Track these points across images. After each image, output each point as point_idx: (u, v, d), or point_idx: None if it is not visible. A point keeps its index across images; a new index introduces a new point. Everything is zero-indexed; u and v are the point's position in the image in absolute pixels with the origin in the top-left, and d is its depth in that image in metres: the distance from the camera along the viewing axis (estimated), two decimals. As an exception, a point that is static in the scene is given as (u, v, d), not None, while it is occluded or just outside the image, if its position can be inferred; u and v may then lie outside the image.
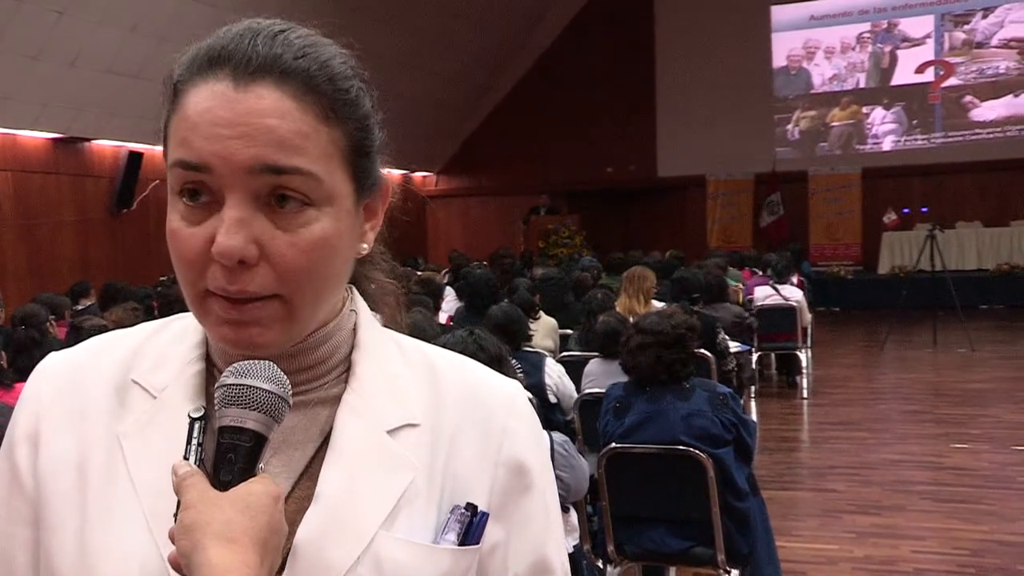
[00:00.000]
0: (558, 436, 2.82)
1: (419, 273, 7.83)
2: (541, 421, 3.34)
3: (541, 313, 5.98)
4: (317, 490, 0.83)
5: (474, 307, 6.06)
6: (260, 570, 0.71)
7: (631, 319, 4.34)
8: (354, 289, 0.94)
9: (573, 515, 2.83)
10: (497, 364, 2.74)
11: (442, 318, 6.63)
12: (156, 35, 9.69)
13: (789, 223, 16.22)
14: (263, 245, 0.78)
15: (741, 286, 8.85)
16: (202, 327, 0.89)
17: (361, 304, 0.94)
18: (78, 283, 7.74)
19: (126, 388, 0.88)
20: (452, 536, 0.85)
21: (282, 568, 0.80)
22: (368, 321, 0.93)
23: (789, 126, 17.11)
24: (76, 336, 3.98)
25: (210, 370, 0.89)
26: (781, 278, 8.54)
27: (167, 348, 0.91)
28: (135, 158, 11.09)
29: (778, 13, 16.94)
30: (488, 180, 18.58)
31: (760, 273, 9.89)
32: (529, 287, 6.43)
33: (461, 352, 2.64)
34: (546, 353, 4.86)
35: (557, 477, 2.67)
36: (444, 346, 2.79)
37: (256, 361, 0.79)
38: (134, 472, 0.83)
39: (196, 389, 0.87)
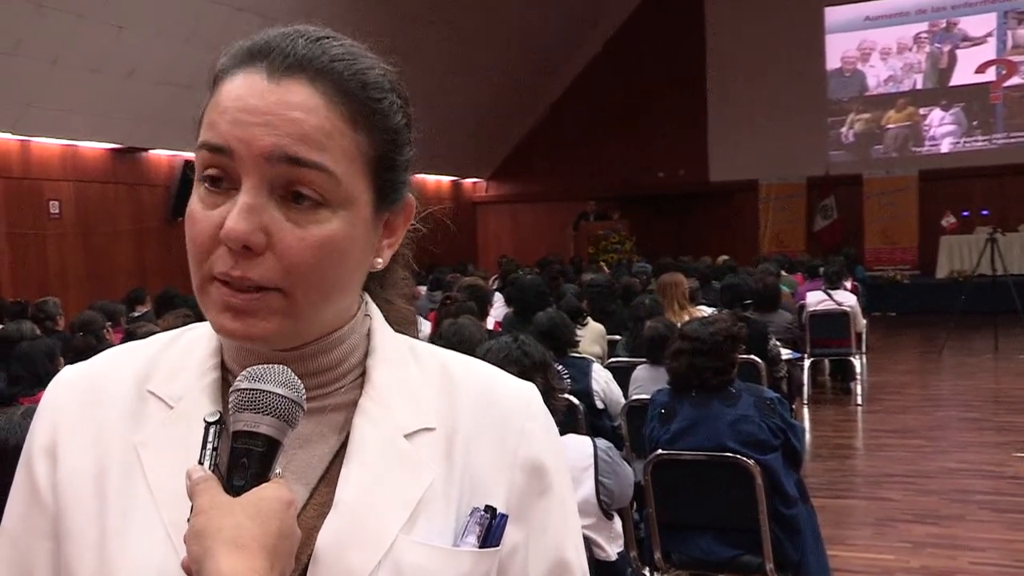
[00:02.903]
0: (602, 442, 2.80)
1: (465, 279, 7.83)
2: (588, 427, 3.32)
3: (588, 319, 5.96)
4: (336, 496, 0.83)
5: (522, 313, 6.05)
6: None
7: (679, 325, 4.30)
8: (367, 295, 0.94)
9: (617, 522, 2.81)
10: (541, 370, 2.73)
11: (490, 324, 6.63)
12: (208, 46, 9.80)
13: (843, 227, 15.97)
14: (271, 235, 0.78)
15: (790, 291, 8.71)
16: (211, 330, 0.89)
17: (375, 310, 0.94)
18: (134, 290, 7.90)
19: (143, 399, 0.88)
20: (472, 538, 0.85)
21: (304, 574, 0.80)
22: (382, 326, 0.93)
23: (843, 129, 16.85)
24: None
25: (226, 378, 0.89)
26: (834, 283, 8.39)
27: (183, 358, 0.91)
28: (190, 167, 11.30)
29: (832, 15, 16.70)
30: (538, 186, 18.58)
31: (813, 278, 9.74)
32: (577, 293, 6.41)
33: (505, 358, 2.66)
34: (593, 359, 4.84)
35: (601, 484, 2.66)
36: (488, 352, 2.79)
37: (270, 366, 0.79)
38: (152, 481, 0.83)
39: (212, 398, 0.87)
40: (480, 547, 0.84)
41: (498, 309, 7.52)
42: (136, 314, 6.99)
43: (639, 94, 17.38)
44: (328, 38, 0.84)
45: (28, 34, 8.73)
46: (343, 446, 0.86)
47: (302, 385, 0.79)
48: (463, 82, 15.33)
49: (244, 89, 0.80)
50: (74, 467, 0.86)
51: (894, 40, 16.57)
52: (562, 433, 2.78)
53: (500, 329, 6.31)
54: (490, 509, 0.86)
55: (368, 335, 0.91)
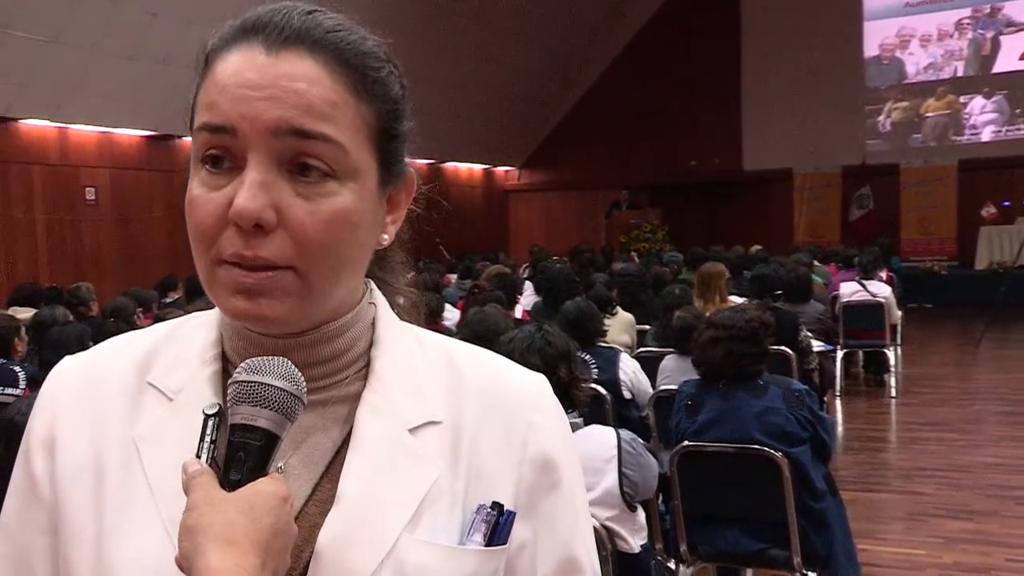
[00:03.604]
0: (626, 433, 2.77)
1: (492, 268, 7.82)
2: (615, 417, 3.28)
3: (618, 308, 5.92)
4: (339, 492, 0.81)
5: (551, 302, 6.02)
6: (261, 573, 0.69)
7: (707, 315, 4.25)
8: (372, 283, 0.92)
9: (641, 514, 2.78)
10: (565, 360, 2.71)
11: (519, 312, 6.61)
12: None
13: (879, 217, 15.74)
14: (282, 211, 0.76)
15: (822, 282, 8.60)
16: (220, 322, 0.88)
17: (380, 297, 0.92)
18: (166, 277, 7.98)
19: (142, 391, 0.87)
20: (478, 536, 0.82)
21: (305, 572, 0.78)
22: (387, 315, 0.91)
23: (880, 117, 16.60)
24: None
25: (227, 369, 0.86)
26: (868, 274, 8.27)
27: (182, 349, 0.89)
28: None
29: (871, 1, 16.43)
30: (570, 174, 18.52)
31: (848, 268, 9.61)
32: (606, 282, 6.37)
33: (528, 347, 2.63)
34: (621, 349, 4.81)
35: (624, 475, 2.63)
36: (511, 341, 2.77)
37: (270, 358, 0.77)
38: (151, 476, 0.82)
39: (213, 389, 0.85)
40: (486, 545, 0.82)
41: (528, 298, 7.50)
42: (168, 300, 7.06)
43: (673, 82, 17.24)
44: (319, 11, 0.82)
45: (65, 23, 8.83)
46: (346, 439, 0.84)
47: (303, 378, 0.77)
48: (496, 71, 15.30)
49: (242, 64, 0.77)
50: (72, 461, 0.85)
51: (934, 26, 16.26)
52: (587, 423, 2.77)
53: (528, 318, 6.29)
54: (497, 506, 0.83)
55: (372, 324, 0.89)
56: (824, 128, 16.12)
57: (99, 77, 9.23)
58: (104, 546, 0.81)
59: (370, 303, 0.90)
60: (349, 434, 0.84)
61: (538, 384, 0.91)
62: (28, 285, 7.25)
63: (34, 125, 9.71)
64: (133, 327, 5.08)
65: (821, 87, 16.25)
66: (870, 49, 16.60)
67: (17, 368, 4.36)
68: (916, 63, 16.47)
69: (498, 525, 0.83)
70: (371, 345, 0.88)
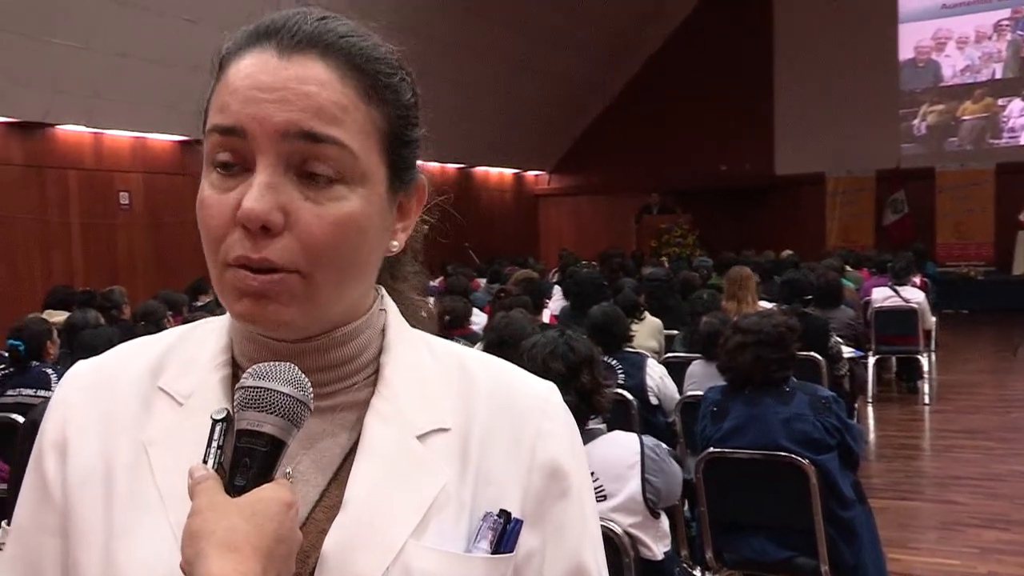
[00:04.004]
0: (649, 440, 2.75)
1: (520, 272, 7.82)
2: (641, 423, 3.25)
3: (646, 314, 5.89)
4: (345, 498, 0.81)
5: (579, 306, 6.01)
6: None
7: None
8: (382, 289, 0.92)
9: (664, 521, 2.75)
10: (588, 366, 2.69)
11: (547, 317, 6.60)
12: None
13: (914, 222, 15.54)
14: (289, 214, 0.76)
15: (854, 287, 8.49)
16: (230, 328, 0.89)
17: (390, 304, 0.92)
18: (197, 280, 8.04)
19: (152, 395, 0.87)
20: (485, 544, 0.82)
21: None
22: (398, 322, 0.91)
23: (915, 121, 16.38)
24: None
25: (237, 374, 0.87)
26: (900, 279, 8.16)
27: (193, 354, 0.89)
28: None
29: (906, 3, 16.25)
30: (600, 179, 18.47)
31: (880, 274, 9.49)
32: (635, 287, 6.34)
33: (550, 353, 2.62)
34: (648, 354, 4.78)
35: (647, 482, 2.61)
36: (535, 346, 2.75)
37: (277, 363, 0.77)
38: (160, 480, 0.82)
39: (222, 395, 0.85)
40: (492, 553, 0.82)
41: (556, 302, 7.50)
42: (198, 304, 7.13)
43: (704, 86, 17.14)
44: (333, 17, 0.83)
45: (100, 28, 8.95)
46: (355, 446, 0.84)
47: (309, 384, 0.77)
48: (527, 75, 15.31)
49: (254, 67, 0.78)
50: (83, 464, 0.85)
51: (972, 28, 16.03)
52: (613, 429, 2.75)
53: (556, 322, 6.28)
54: (504, 514, 0.83)
55: (383, 331, 0.89)
56: (858, 132, 15.94)
57: (133, 83, 9.35)
58: (112, 549, 0.81)
59: (381, 309, 0.90)
60: (358, 440, 0.84)
61: (548, 391, 0.91)
62: (62, 288, 7.35)
63: (70, 130, 9.85)
64: (163, 330, 5.14)
65: (855, 90, 16.08)
66: (905, 52, 16.40)
67: (49, 370, 4.42)
68: (953, 65, 16.24)
69: (505, 533, 0.82)
70: (381, 351, 0.88)
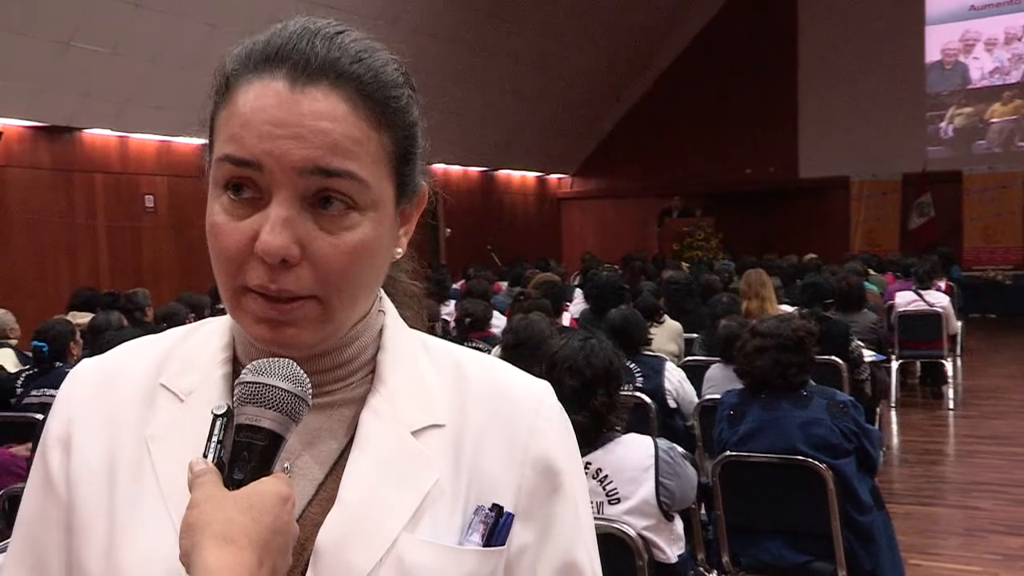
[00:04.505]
0: (663, 443, 2.74)
1: (541, 275, 7.81)
2: (660, 426, 3.24)
3: (665, 317, 5.88)
4: (339, 492, 0.83)
5: (598, 309, 6.00)
6: (257, 572, 0.71)
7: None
8: (382, 291, 0.94)
9: (678, 524, 2.75)
10: (603, 383, 2.67)
11: (567, 320, 6.60)
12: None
13: (940, 225, 15.38)
14: (305, 246, 0.78)
15: (877, 291, 8.42)
16: (232, 327, 0.91)
17: (389, 306, 0.94)
18: (220, 282, 8.09)
19: (155, 392, 0.89)
20: (476, 537, 0.84)
21: (305, 570, 0.80)
22: (395, 322, 0.93)
23: (942, 124, 16.22)
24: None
25: (237, 371, 0.88)
26: (924, 283, 8.08)
27: (195, 352, 0.91)
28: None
29: (933, 5, 16.09)
30: (623, 182, 18.44)
31: (905, 277, 9.41)
32: (654, 290, 6.33)
33: (569, 368, 2.59)
34: (666, 357, 4.77)
35: (661, 485, 2.61)
36: (555, 355, 2.72)
37: (276, 359, 0.79)
38: (161, 474, 0.84)
39: (223, 391, 0.88)
40: (484, 546, 0.83)
41: (577, 305, 7.50)
42: (220, 306, 7.14)
43: (727, 88, 17.06)
44: (343, 32, 0.83)
45: (127, 35, 9.06)
46: (351, 441, 0.86)
47: (308, 379, 0.79)
48: (549, 78, 15.31)
49: (266, 99, 0.79)
50: (86, 459, 0.87)
51: (1001, 30, 15.84)
52: (629, 432, 2.74)
53: (576, 326, 6.28)
54: (496, 508, 0.84)
55: (380, 331, 0.91)
56: (883, 135, 15.81)
57: (158, 87, 9.44)
58: (115, 543, 0.83)
59: (379, 311, 0.92)
60: (354, 436, 0.86)
61: (542, 390, 0.93)
62: (86, 290, 7.43)
63: (97, 134, 9.97)
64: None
65: (880, 93, 15.95)
66: (932, 54, 16.25)
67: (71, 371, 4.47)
68: (981, 67, 16.07)
69: (496, 526, 0.84)
70: (378, 351, 0.90)
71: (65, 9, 8.38)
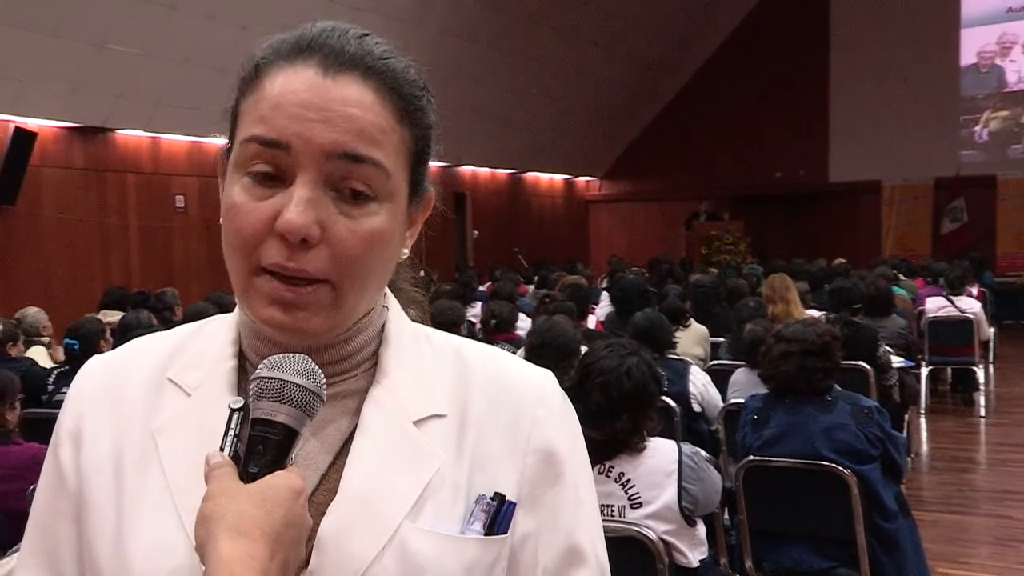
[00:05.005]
0: (687, 447, 2.73)
1: (567, 278, 7.80)
2: (684, 430, 3.20)
3: (691, 321, 5.85)
4: (342, 481, 0.84)
5: (623, 312, 5.99)
6: (269, 564, 0.72)
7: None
8: (386, 287, 0.95)
9: (701, 528, 2.73)
10: (632, 406, 2.64)
11: (592, 323, 6.59)
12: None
13: (973, 230, 15.19)
14: (325, 228, 0.80)
15: (907, 296, 8.32)
16: (239, 323, 0.92)
17: (392, 300, 0.95)
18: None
19: (162, 386, 0.91)
20: (478, 526, 0.85)
21: (307, 559, 0.80)
22: (398, 315, 0.94)
23: (976, 127, 16.01)
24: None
25: (243, 365, 0.91)
26: (954, 289, 7.98)
27: (203, 347, 0.93)
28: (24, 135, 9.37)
29: (969, 7, 15.88)
30: (652, 185, 18.38)
31: (935, 283, 9.30)
32: (680, 294, 6.30)
33: (603, 383, 2.53)
34: (691, 361, 4.75)
35: (685, 489, 2.60)
36: (591, 364, 2.66)
37: (291, 355, 0.80)
38: (167, 467, 0.86)
39: (229, 385, 0.89)
40: (486, 534, 0.84)
41: (604, 308, 7.49)
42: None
43: (757, 91, 16.95)
44: (368, 35, 0.86)
45: (159, 37, 9.17)
46: (354, 432, 0.87)
47: (322, 375, 0.81)
48: (579, 81, 15.29)
49: (298, 83, 0.81)
50: (95, 453, 0.89)
51: (1040, 33, 15.64)
52: (652, 436, 2.73)
53: (602, 328, 6.27)
54: (498, 496, 0.86)
55: (384, 324, 0.93)
56: (915, 138, 15.64)
57: (190, 88, 9.54)
58: (122, 534, 0.84)
59: (384, 306, 0.94)
60: (357, 426, 0.87)
61: (544, 379, 0.94)
62: (117, 289, 7.54)
63: (129, 135, 10.09)
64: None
65: (913, 96, 15.77)
66: (967, 57, 16.04)
67: (101, 368, 4.52)
68: (1018, 70, 15.85)
69: (498, 515, 0.85)
70: (380, 343, 0.92)
71: (99, 11, 8.50)
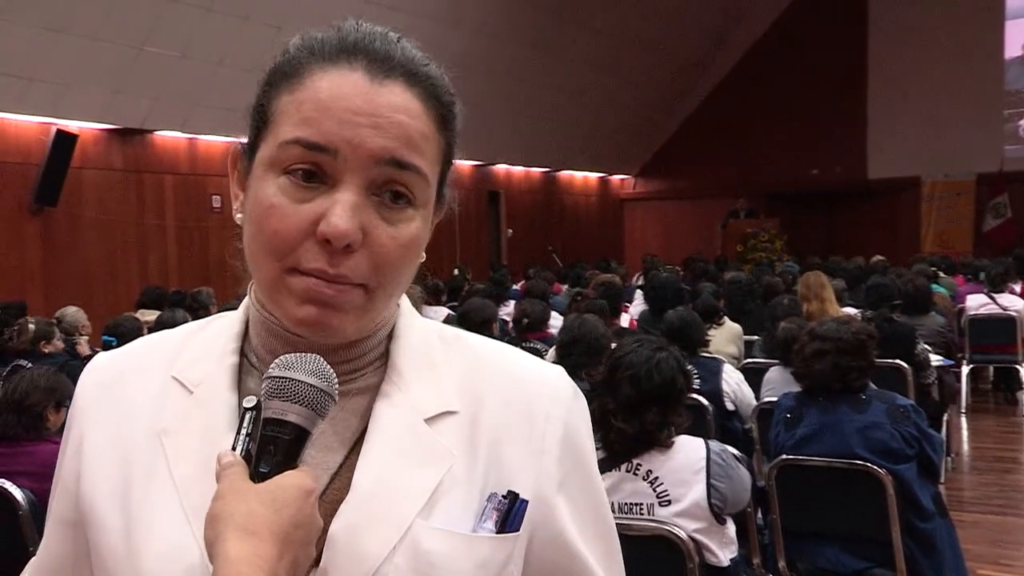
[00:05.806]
0: (715, 445, 2.69)
1: (601, 276, 7.77)
2: (717, 429, 3.17)
3: (725, 319, 5.80)
4: (354, 480, 0.83)
5: (657, 310, 5.96)
6: (277, 564, 0.72)
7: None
8: None
9: (731, 527, 2.70)
10: (661, 400, 2.63)
11: (625, 321, 6.56)
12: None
13: (1017, 227, 14.91)
14: (367, 233, 0.80)
15: (947, 294, 8.17)
16: (246, 318, 0.92)
17: (404, 299, 0.95)
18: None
19: (166, 384, 0.90)
20: (490, 524, 0.84)
21: (319, 556, 0.80)
22: (409, 313, 0.94)
23: (1022, 122, 15.71)
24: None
25: (245, 363, 0.90)
26: (995, 286, 7.82)
27: (206, 344, 0.92)
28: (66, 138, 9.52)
29: (1013, -1, 15.61)
30: (687, 183, 18.27)
31: (976, 280, 9.13)
32: (714, 292, 6.25)
33: (632, 375, 2.52)
34: (724, 359, 4.71)
35: (713, 487, 2.57)
36: (620, 357, 2.65)
37: (304, 355, 0.80)
38: (173, 467, 0.85)
39: (230, 382, 0.89)
40: (497, 532, 0.84)
41: (638, 306, 7.45)
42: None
43: (794, 87, 16.78)
44: (403, 38, 0.86)
45: (196, 39, 9.27)
46: (366, 430, 0.86)
47: (335, 375, 0.80)
48: (613, 79, 15.24)
49: (345, 88, 0.80)
50: (100, 455, 0.89)
51: (1088, 24, 15.33)
52: (682, 433, 2.70)
53: (636, 327, 6.23)
54: (511, 494, 0.85)
55: (395, 321, 0.92)
56: (957, 133, 15.39)
57: (226, 89, 9.64)
58: (131, 535, 0.84)
59: (397, 304, 0.93)
60: (368, 424, 0.86)
61: (556, 376, 0.93)
62: (154, 289, 7.63)
63: (167, 136, 10.23)
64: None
65: (955, 90, 15.53)
66: (1012, 49, 15.76)
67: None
68: (1063, 64, 15.56)
69: (510, 513, 0.84)
70: (391, 340, 0.91)
71: (137, 14, 8.61)
